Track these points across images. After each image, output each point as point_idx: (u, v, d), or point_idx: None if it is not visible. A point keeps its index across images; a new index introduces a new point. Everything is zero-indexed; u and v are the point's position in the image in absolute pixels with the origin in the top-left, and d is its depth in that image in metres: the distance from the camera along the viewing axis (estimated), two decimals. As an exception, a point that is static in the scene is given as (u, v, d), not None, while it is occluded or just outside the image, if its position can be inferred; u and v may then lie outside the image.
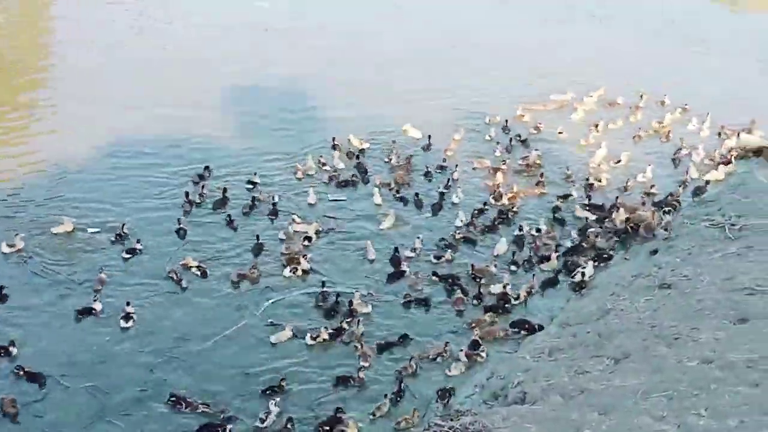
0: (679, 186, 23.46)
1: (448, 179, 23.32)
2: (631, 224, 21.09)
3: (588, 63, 33.20)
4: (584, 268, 19.24)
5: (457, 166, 24.02)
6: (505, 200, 22.33)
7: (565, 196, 22.81)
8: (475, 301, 18.38)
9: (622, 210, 21.60)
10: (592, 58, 34.01)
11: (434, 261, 19.81)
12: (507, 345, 17.05)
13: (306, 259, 19.27)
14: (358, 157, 24.46)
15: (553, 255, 19.99)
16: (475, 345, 16.71)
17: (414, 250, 20.04)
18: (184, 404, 14.91)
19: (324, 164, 23.88)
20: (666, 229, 20.28)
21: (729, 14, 43.87)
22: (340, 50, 33.31)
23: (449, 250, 20.04)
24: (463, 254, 20.28)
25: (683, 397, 11.85)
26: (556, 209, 22.12)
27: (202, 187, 22.02)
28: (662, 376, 12.73)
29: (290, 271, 19.08)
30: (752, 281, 15.36)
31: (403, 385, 15.69)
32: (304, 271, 19.13)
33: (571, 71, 31.92)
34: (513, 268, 19.72)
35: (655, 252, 19.25)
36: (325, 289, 18.33)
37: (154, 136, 25.13)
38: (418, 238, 20.39)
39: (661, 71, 32.79)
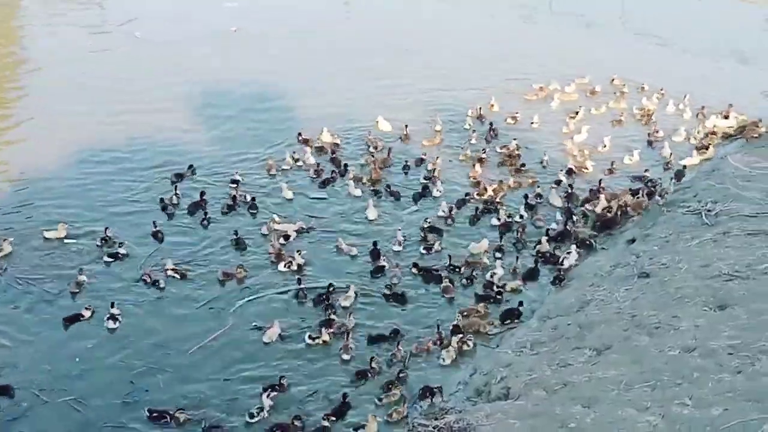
0: (665, 169, 23.96)
1: (432, 171, 23.31)
2: (621, 206, 21.18)
3: (554, 54, 33.42)
4: (568, 255, 19.28)
5: (438, 158, 24.00)
6: (490, 191, 22.24)
7: (558, 182, 22.96)
8: (465, 286, 18.56)
9: (602, 197, 21.66)
10: (556, 49, 34.25)
11: (423, 252, 19.76)
12: (489, 339, 16.95)
13: (300, 254, 19.21)
14: (333, 152, 24.36)
15: (543, 239, 20.08)
16: (455, 331, 16.71)
17: (399, 243, 19.99)
18: (168, 417, 14.56)
19: (297, 160, 23.78)
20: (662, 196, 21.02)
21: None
22: (307, 48, 33.41)
23: (438, 240, 20.00)
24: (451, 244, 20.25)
25: (666, 387, 11.85)
26: (526, 197, 22.09)
27: (175, 188, 21.81)
28: (644, 366, 12.73)
29: (285, 266, 19.01)
30: (730, 267, 15.41)
31: (401, 371, 15.71)
32: (299, 266, 19.07)
33: (538, 62, 32.23)
34: (498, 255, 19.65)
35: (632, 241, 19.26)
36: (302, 286, 18.19)
37: (125, 140, 24.96)
38: (399, 230, 20.35)
39: (628, 60, 33.11)
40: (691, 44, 35.80)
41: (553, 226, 21.01)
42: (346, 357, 16.25)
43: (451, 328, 16.85)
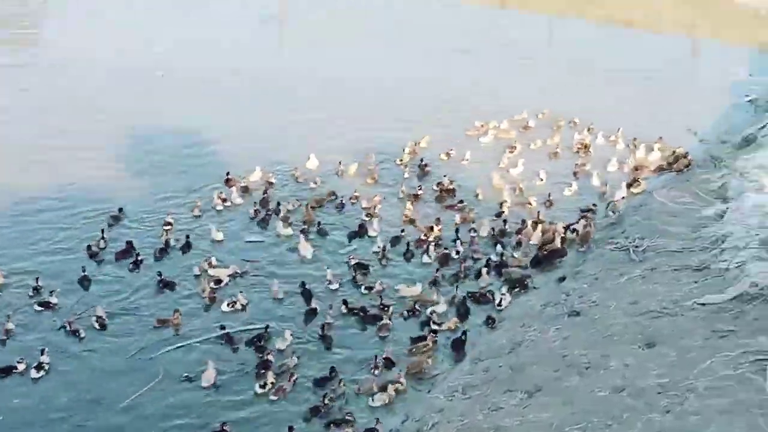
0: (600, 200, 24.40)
1: (371, 208, 23.30)
2: (573, 236, 21.55)
3: (478, 90, 33.79)
4: (503, 295, 19.25)
5: (376, 196, 24.01)
6: (437, 231, 22.09)
7: (498, 214, 23.23)
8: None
9: (539, 228, 21.92)
10: (490, 84, 34.64)
11: (364, 292, 19.60)
12: (421, 384, 16.74)
13: (242, 294, 19.04)
14: (265, 191, 24.09)
15: (483, 270, 20.14)
16: (388, 363, 16.85)
17: (330, 282, 19.80)
18: None
19: (225, 200, 23.49)
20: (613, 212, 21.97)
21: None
22: (234, 89, 33.14)
23: (379, 281, 19.86)
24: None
25: (596, 428, 11.78)
26: (457, 230, 22.19)
27: (102, 232, 21.31)
28: (575, 408, 12.65)
29: (228, 306, 18.78)
30: (658, 304, 15.50)
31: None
32: (243, 306, 18.86)
33: (472, 98, 32.50)
34: (432, 288, 19.65)
35: (563, 279, 19.31)
36: (226, 330, 17.87)
37: (51, 185, 24.19)
38: (328, 269, 20.21)
39: (559, 93, 33.57)
40: (619, 75, 36.46)
41: (493, 257, 21.04)
42: (273, 398, 16.04)
43: (383, 360, 16.94)
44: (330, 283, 19.80)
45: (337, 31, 42.61)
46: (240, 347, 17.61)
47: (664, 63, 38.79)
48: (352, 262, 20.61)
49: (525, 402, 13.58)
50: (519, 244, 21.86)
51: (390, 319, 18.42)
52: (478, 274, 20.23)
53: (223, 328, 17.96)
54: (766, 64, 38.27)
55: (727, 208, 19.19)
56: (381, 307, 18.86)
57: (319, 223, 22.45)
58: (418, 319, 18.79)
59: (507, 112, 30.62)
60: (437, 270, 20.38)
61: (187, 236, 21.43)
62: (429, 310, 18.78)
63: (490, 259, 20.87)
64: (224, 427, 14.99)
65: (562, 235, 21.41)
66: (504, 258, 21.01)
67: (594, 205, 23.84)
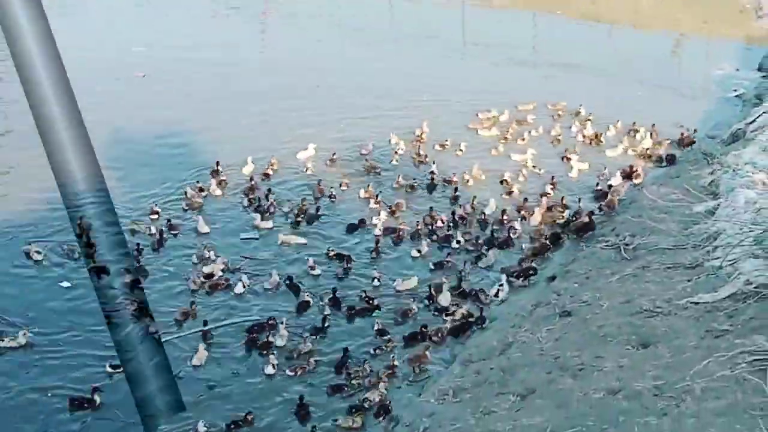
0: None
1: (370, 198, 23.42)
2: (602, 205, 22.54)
3: (478, 84, 33.65)
4: (500, 286, 19.16)
5: (369, 185, 24.09)
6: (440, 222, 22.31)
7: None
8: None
9: (543, 201, 22.69)
10: (479, 80, 34.41)
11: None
12: (411, 388, 16.44)
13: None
14: (251, 181, 23.99)
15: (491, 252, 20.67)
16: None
17: (312, 268, 19.82)
18: None
19: (202, 189, 23.52)
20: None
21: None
22: (213, 91, 32.74)
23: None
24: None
25: (592, 432, 11.49)
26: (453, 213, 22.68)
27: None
28: (569, 411, 12.34)
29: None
30: (651, 303, 15.20)
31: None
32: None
33: (464, 92, 32.36)
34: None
35: (553, 278, 19.06)
36: (207, 327, 17.73)
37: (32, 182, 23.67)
38: (308, 258, 20.20)
39: (551, 88, 33.37)
40: (603, 72, 36.40)
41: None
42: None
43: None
44: (312, 268, 19.82)
45: (325, 26, 42.31)
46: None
47: (648, 59, 38.60)
48: (332, 253, 20.57)
49: (518, 405, 13.29)
50: (523, 219, 22.38)
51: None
52: (479, 257, 20.62)
53: (205, 324, 17.81)
54: (752, 59, 38.10)
55: (719, 205, 18.95)
56: (367, 299, 18.73)
57: (317, 209, 22.65)
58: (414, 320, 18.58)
59: (503, 105, 30.50)
60: (448, 254, 20.64)
61: (169, 222, 21.44)
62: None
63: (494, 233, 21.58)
64: (248, 416, 15.03)
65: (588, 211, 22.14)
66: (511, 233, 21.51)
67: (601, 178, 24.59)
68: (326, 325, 17.91)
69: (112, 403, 15.69)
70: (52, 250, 20.71)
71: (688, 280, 15.81)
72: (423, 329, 17.72)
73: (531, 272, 19.73)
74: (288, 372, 16.39)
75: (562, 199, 23.32)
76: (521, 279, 19.60)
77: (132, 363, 13.04)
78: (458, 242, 21.25)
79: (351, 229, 21.94)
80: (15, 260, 20.38)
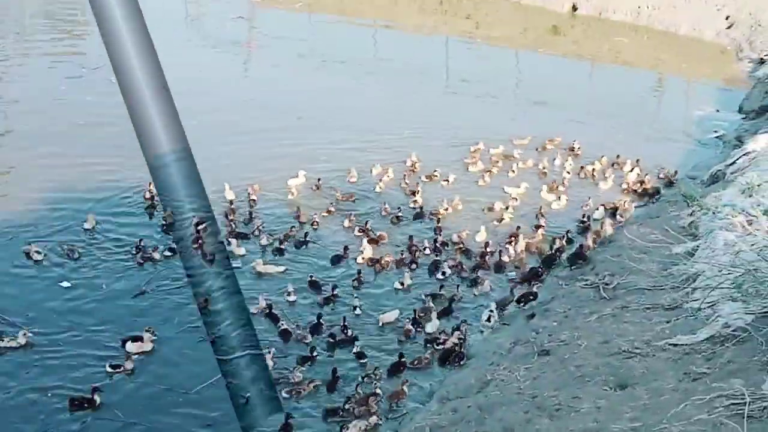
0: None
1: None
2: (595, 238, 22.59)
3: (462, 121, 33.65)
4: (491, 312, 19.41)
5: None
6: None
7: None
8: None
9: (521, 238, 22.83)
10: (462, 117, 34.43)
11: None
12: (389, 423, 16.30)
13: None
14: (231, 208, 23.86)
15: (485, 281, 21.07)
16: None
17: (289, 294, 19.84)
18: None
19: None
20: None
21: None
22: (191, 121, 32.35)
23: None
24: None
25: (568, 475, 11.39)
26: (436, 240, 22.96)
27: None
28: (546, 453, 12.28)
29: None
30: (629, 344, 15.18)
31: None
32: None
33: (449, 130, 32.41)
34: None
35: (532, 316, 19.01)
36: None
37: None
38: (288, 288, 20.12)
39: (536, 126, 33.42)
40: (582, 110, 36.58)
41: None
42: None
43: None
44: (289, 294, 19.83)
45: (312, 60, 42.38)
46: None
47: (628, 97, 38.94)
48: (309, 279, 20.67)
49: (494, 445, 13.21)
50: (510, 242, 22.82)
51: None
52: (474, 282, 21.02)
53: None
54: (732, 100, 38.50)
55: (698, 246, 19.01)
56: (343, 327, 18.70)
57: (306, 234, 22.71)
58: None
59: (493, 140, 30.65)
60: (441, 287, 20.77)
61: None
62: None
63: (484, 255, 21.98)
64: (289, 420, 15.11)
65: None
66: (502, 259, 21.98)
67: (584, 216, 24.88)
68: (314, 354, 17.78)
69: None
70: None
71: (667, 322, 15.80)
72: (400, 358, 17.70)
73: (531, 297, 19.96)
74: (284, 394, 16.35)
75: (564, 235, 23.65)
76: (521, 304, 19.85)
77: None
78: (443, 274, 21.38)
79: (336, 260, 21.87)
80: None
